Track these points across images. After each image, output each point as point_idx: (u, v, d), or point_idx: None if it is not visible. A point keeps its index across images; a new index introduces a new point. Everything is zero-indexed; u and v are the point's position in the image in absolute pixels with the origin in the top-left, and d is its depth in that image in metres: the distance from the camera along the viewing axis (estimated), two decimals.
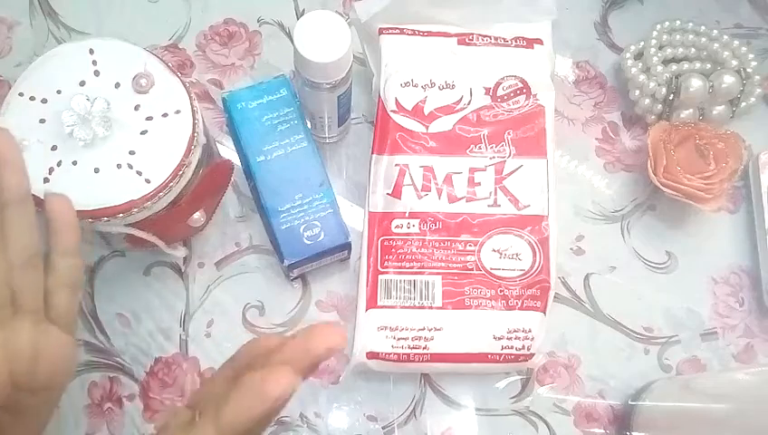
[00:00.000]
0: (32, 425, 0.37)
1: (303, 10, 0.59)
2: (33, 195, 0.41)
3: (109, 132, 0.42)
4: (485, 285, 0.48)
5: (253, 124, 0.50)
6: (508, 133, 0.51)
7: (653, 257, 0.55)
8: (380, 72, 0.52)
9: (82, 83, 0.43)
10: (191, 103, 0.44)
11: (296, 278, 0.52)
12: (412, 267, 0.49)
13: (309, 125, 0.51)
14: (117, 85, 0.43)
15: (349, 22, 0.58)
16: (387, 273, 0.49)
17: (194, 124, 0.43)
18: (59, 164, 0.41)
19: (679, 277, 0.54)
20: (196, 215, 0.46)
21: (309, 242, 0.48)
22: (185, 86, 0.44)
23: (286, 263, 0.48)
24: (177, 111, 0.43)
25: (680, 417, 0.48)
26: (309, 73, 0.46)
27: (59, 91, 0.43)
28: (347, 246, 0.50)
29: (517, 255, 0.49)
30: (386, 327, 0.48)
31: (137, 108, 0.43)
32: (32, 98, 0.43)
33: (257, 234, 0.53)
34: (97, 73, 0.43)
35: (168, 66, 0.44)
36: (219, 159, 0.48)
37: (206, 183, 0.46)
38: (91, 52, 0.44)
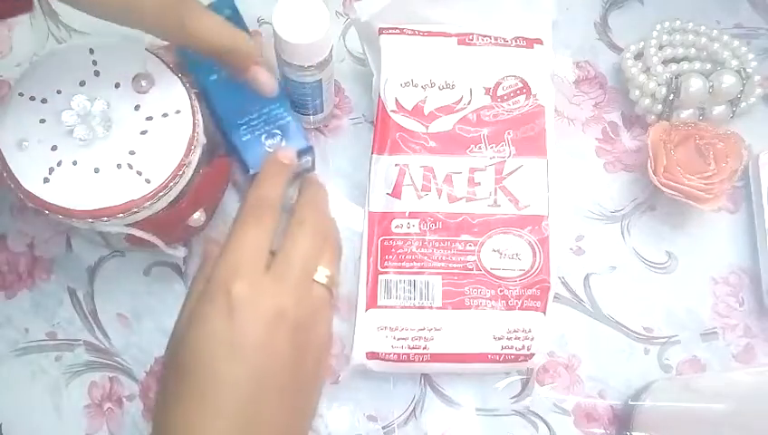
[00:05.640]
0: None
1: None
2: (33, 194, 0.41)
3: (109, 132, 0.42)
4: (485, 284, 0.48)
5: None
6: (508, 133, 0.51)
7: (653, 257, 0.55)
8: (380, 72, 0.52)
9: (82, 83, 0.43)
10: (191, 103, 0.44)
11: None
12: (412, 267, 0.49)
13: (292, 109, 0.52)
14: (117, 85, 0.43)
15: (349, 21, 0.58)
16: (387, 273, 0.49)
17: (194, 124, 0.43)
18: (59, 164, 0.41)
19: (679, 277, 0.54)
20: (196, 215, 0.46)
21: (271, 150, 0.49)
22: (185, 86, 0.44)
23: (251, 172, 0.48)
24: (178, 111, 0.43)
25: (680, 417, 0.48)
26: (290, 56, 0.46)
27: (59, 91, 0.43)
28: (308, 151, 0.50)
29: (517, 255, 0.49)
30: (386, 327, 0.48)
31: (137, 108, 0.43)
32: (32, 98, 0.43)
33: None
34: (97, 73, 0.43)
35: (169, 66, 0.44)
36: (219, 159, 0.48)
37: (205, 183, 0.46)
38: (91, 51, 0.44)
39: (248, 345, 0.34)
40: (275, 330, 0.35)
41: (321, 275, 0.38)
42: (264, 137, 0.49)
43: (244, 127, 0.49)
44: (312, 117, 0.54)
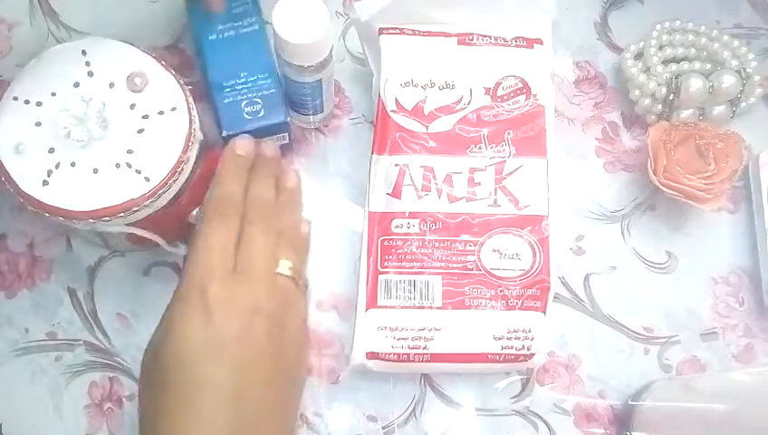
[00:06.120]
0: None
1: None
2: (32, 197, 0.41)
3: (106, 132, 0.42)
4: (485, 284, 0.48)
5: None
6: (508, 133, 0.51)
7: (653, 257, 0.54)
8: (380, 72, 0.52)
9: (77, 85, 0.43)
10: (186, 100, 0.44)
11: None
12: (412, 267, 0.49)
13: (291, 109, 0.53)
14: (111, 85, 0.43)
15: (349, 21, 0.58)
16: (387, 273, 0.49)
17: (190, 121, 0.43)
18: (57, 166, 0.41)
19: (679, 277, 0.54)
20: (196, 211, 0.46)
21: (249, 117, 0.50)
22: (179, 83, 0.44)
23: (224, 134, 0.49)
24: (173, 109, 0.43)
25: (680, 417, 0.48)
26: (290, 56, 0.46)
27: (53, 94, 0.43)
28: (285, 127, 0.51)
29: (517, 255, 0.49)
30: (386, 327, 0.48)
31: (132, 107, 0.43)
32: (26, 101, 0.43)
33: None
34: (91, 74, 0.43)
35: (162, 64, 0.44)
36: (217, 155, 0.48)
37: (204, 179, 0.46)
38: (84, 53, 0.44)
39: (227, 342, 0.35)
40: (252, 324, 0.36)
41: (284, 267, 0.39)
42: (244, 103, 0.50)
43: (228, 90, 0.50)
44: (311, 117, 0.54)
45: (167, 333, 0.36)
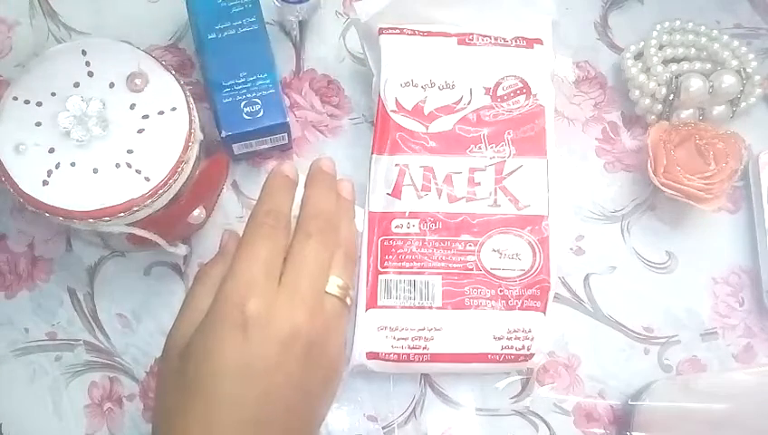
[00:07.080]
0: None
1: None
2: (32, 197, 0.41)
3: (106, 132, 0.42)
4: (485, 285, 0.48)
5: (209, 4, 0.52)
6: (508, 133, 0.51)
7: (653, 257, 0.54)
8: (380, 72, 0.52)
9: (77, 85, 0.43)
10: (186, 100, 0.44)
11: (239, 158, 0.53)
12: (412, 267, 0.49)
13: None
14: (111, 85, 0.43)
15: (349, 21, 0.58)
16: (387, 273, 0.49)
17: (190, 121, 0.43)
18: (57, 166, 0.42)
19: (679, 277, 0.54)
20: (196, 212, 0.46)
21: (248, 118, 0.50)
22: (179, 83, 0.44)
23: (223, 134, 0.50)
24: (173, 109, 0.43)
25: (680, 417, 0.48)
26: None
27: (53, 94, 0.43)
28: (284, 127, 0.51)
29: (517, 255, 0.49)
30: (386, 327, 0.48)
31: (132, 107, 0.43)
32: (26, 101, 0.43)
33: None
34: (91, 74, 0.44)
35: (162, 64, 0.44)
36: (216, 155, 0.48)
37: (204, 179, 0.46)
38: (84, 53, 0.44)
39: (261, 367, 0.34)
40: (288, 351, 0.35)
41: (333, 285, 0.38)
42: (243, 103, 0.50)
43: (228, 90, 0.51)
44: (297, 5, 0.54)
45: (197, 341, 0.35)
